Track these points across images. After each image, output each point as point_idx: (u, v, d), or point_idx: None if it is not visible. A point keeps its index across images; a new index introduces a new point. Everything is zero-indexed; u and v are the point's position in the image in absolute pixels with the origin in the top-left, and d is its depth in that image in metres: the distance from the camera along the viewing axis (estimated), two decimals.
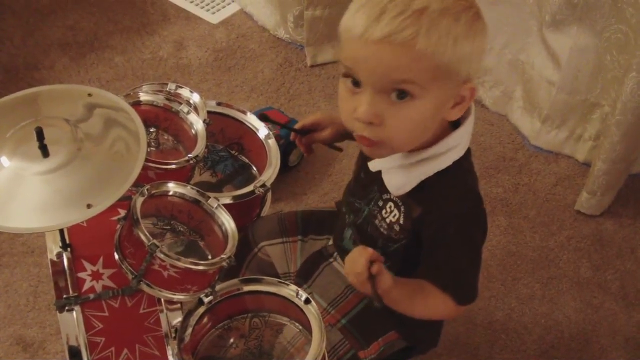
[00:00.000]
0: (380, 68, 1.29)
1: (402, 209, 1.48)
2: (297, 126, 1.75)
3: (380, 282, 1.35)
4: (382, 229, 1.53)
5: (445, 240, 1.46)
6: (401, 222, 1.49)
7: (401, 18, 1.25)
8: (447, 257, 1.48)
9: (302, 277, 1.71)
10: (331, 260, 1.70)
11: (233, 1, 3.22)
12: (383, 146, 1.38)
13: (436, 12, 1.26)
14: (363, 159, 1.54)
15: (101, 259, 1.51)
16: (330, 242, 1.73)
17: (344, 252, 1.63)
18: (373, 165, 1.49)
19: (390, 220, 1.51)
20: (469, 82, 1.36)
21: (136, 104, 1.63)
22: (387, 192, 1.50)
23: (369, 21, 1.27)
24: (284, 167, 2.43)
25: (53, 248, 1.52)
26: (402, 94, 1.31)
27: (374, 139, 1.36)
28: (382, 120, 1.33)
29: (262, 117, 1.80)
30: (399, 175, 1.45)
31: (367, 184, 1.55)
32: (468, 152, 1.48)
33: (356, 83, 1.34)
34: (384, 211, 1.52)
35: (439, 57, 1.27)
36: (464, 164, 1.46)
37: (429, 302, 1.50)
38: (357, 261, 1.36)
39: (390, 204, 1.50)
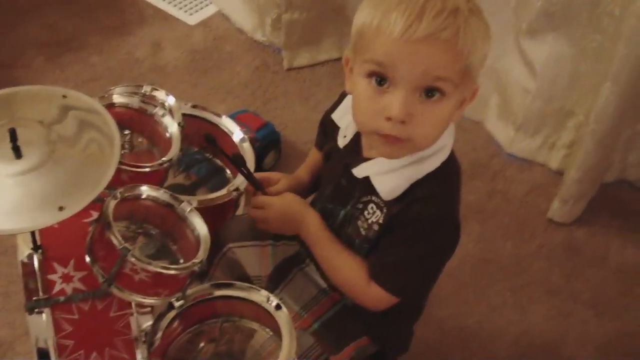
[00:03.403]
0: (421, 66, 1.31)
1: (385, 210, 1.49)
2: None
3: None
4: (362, 230, 1.54)
5: (401, 231, 1.48)
6: (381, 221, 1.50)
7: (442, 17, 1.28)
8: (389, 244, 1.51)
9: (274, 282, 1.71)
10: (303, 265, 1.70)
11: (211, 3, 3.22)
12: (407, 144, 1.40)
13: (466, 11, 1.31)
14: (345, 166, 1.54)
15: (72, 262, 1.49)
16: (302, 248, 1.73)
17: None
18: (359, 172, 1.49)
19: (372, 221, 1.51)
20: (475, 83, 1.40)
21: (111, 106, 1.62)
22: (368, 194, 1.51)
23: (409, 20, 1.28)
24: (259, 170, 2.42)
25: (24, 249, 1.51)
26: (431, 93, 1.34)
27: (402, 137, 1.37)
28: (411, 119, 1.35)
29: (209, 139, 1.74)
30: (389, 180, 1.46)
31: (349, 190, 1.56)
32: (452, 153, 1.50)
33: (382, 82, 1.35)
34: (366, 212, 1.52)
35: (472, 56, 1.32)
36: (451, 166, 1.50)
37: (347, 264, 1.56)
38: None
39: (372, 205, 1.51)
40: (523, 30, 2.48)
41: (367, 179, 1.49)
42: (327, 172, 1.67)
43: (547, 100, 2.57)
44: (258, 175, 1.72)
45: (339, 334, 1.64)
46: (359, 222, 1.54)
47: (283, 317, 1.43)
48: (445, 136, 1.45)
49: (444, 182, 1.48)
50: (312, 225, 1.58)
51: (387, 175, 1.46)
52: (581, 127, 2.50)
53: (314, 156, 1.77)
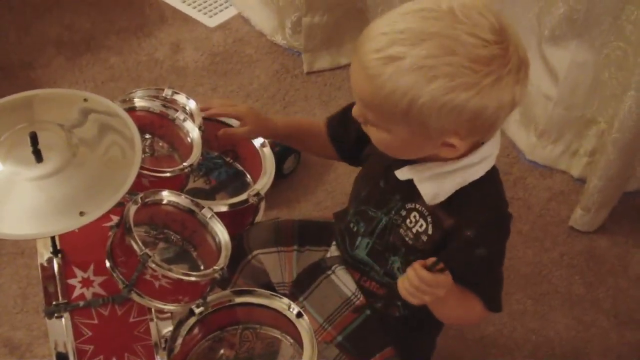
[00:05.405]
0: (354, 84, 1.36)
1: (430, 220, 1.48)
2: (209, 113, 1.73)
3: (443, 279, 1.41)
4: (407, 239, 1.52)
5: (481, 250, 1.47)
6: (429, 232, 1.49)
7: (376, 56, 1.28)
8: (485, 268, 1.52)
9: (298, 289, 1.70)
10: (329, 272, 1.69)
11: (231, 5, 3.21)
12: None
13: (407, 66, 1.26)
14: (387, 168, 1.52)
15: (92, 266, 1.49)
16: (329, 255, 1.71)
17: (357, 262, 1.63)
18: (402, 174, 1.47)
19: (417, 231, 1.50)
20: (450, 136, 1.34)
21: (131, 110, 1.62)
22: (412, 201, 1.49)
23: (363, 39, 1.31)
24: (279, 175, 2.41)
25: (44, 253, 1.51)
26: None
27: None
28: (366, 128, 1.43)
29: None
30: (433, 184, 1.44)
31: (388, 193, 1.54)
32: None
33: None
34: (408, 221, 1.51)
35: (391, 107, 1.30)
36: (494, 174, 1.48)
37: (467, 307, 1.53)
38: (414, 278, 1.40)
39: (415, 213, 1.50)
40: (545, 37, 2.46)
41: (409, 183, 1.46)
42: (365, 173, 1.65)
43: (569, 107, 2.54)
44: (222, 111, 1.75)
45: (364, 345, 1.63)
46: (401, 231, 1.52)
47: (304, 325, 1.43)
48: (488, 146, 1.42)
49: (491, 188, 1.48)
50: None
51: (433, 180, 1.43)
52: (603, 135, 2.48)
53: (310, 119, 1.76)
